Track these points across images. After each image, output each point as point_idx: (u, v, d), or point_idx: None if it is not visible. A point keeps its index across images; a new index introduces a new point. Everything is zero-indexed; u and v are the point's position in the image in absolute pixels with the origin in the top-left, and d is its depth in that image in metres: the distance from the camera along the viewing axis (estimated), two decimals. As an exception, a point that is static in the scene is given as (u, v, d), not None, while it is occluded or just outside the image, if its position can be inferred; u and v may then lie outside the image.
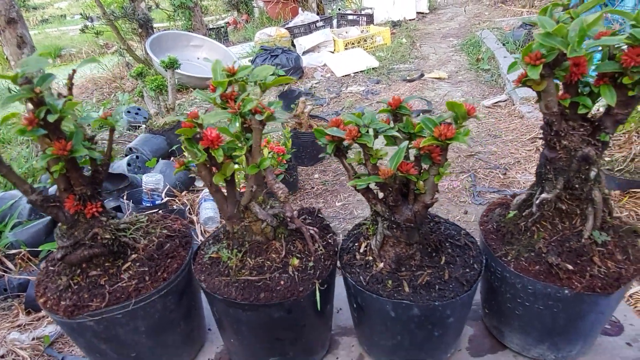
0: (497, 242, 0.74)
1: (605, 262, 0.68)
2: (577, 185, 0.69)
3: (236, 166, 0.74)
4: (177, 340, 0.78)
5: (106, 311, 0.67)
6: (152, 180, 3.28)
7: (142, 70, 4.48)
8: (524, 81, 0.63)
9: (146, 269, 0.71)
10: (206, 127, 0.66)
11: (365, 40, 7.54)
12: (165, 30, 8.81)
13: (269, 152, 3.35)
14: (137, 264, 0.72)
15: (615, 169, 2.89)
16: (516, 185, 3.45)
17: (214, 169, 0.69)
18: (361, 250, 0.76)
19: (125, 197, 3.18)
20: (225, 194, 0.73)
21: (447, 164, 0.65)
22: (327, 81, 6.44)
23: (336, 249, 0.76)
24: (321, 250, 0.73)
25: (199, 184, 3.98)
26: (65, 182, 0.67)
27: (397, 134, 0.67)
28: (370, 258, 0.74)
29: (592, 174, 0.67)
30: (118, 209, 3.32)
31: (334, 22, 8.86)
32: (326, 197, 3.54)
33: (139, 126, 5.32)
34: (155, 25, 10.85)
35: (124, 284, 0.69)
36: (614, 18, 5.20)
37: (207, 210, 3.29)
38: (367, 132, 0.62)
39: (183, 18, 8.26)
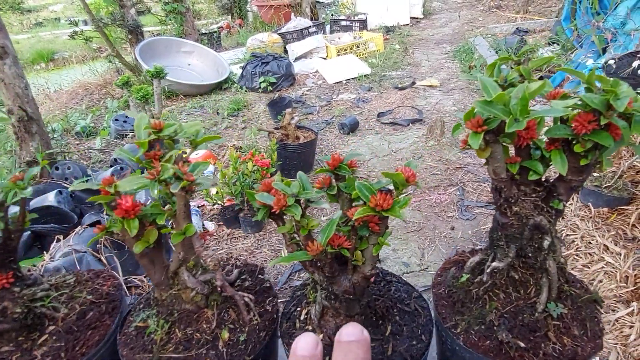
0: (447, 310, 0.69)
1: (560, 338, 0.62)
2: (530, 254, 0.63)
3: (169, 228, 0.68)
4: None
5: (15, 395, 0.61)
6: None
7: (128, 79, 4.41)
8: (467, 146, 0.58)
9: (63, 343, 0.66)
10: (123, 193, 0.60)
11: (357, 47, 7.50)
12: (156, 35, 8.75)
13: (253, 166, 3.29)
14: (54, 337, 0.66)
15: (604, 186, 2.84)
16: (504, 199, 3.39)
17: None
18: (302, 318, 0.70)
19: (105, 212, 3.11)
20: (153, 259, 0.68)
21: (388, 233, 0.59)
22: (318, 88, 6.39)
23: (275, 316, 0.70)
24: (256, 319, 0.68)
25: (184, 196, 3.93)
26: (-31, 252, 0.61)
27: (326, 205, 0.61)
28: (310, 328, 0.68)
29: (546, 243, 0.61)
30: (98, 223, 3.26)
31: (327, 27, 8.82)
32: (312, 211, 3.48)
33: (127, 135, 5.25)
34: (147, 29, 10.78)
35: (36, 362, 0.63)
36: (606, 27, 5.16)
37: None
38: (296, 202, 0.56)
39: (175, 23, 8.20)
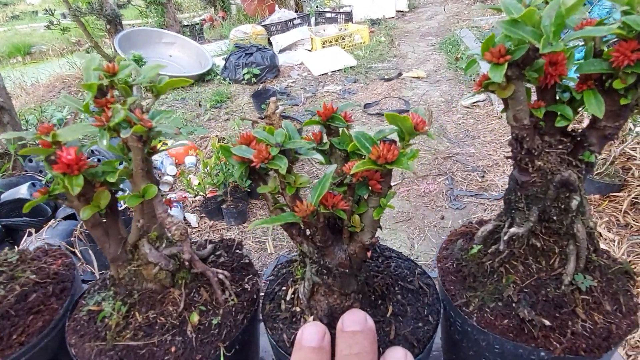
0: (457, 287, 0.59)
1: (591, 315, 0.53)
2: (555, 217, 0.54)
3: (121, 194, 0.57)
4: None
5: None
6: (110, 186, 3.07)
7: (105, 68, 4.23)
8: (485, 84, 0.48)
9: (-5, 331, 0.54)
10: (65, 145, 0.49)
11: (343, 39, 7.40)
12: (136, 26, 8.52)
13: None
14: (-14, 324, 0.55)
15: (595, 172, 2.80)
16: (494, 189, 3.35)
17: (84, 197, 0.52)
18: (287, 298, 0.60)
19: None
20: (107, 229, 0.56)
21: (391, 194, 0.49)
22: (303, 80, 6.27)
23: (255, 296, 0.60)
24: (232, 300, 0.57)
25: (164, 188, 3.78)
26: None
27: (319, 155, 0.51)
28: (298, 309, 0.58)
29: (574, 203, 0.52)
30: (73, 217, 3.12)
31: (312, 19, 8.69)
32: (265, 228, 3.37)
33: (105, 127, 5.07)
34: (127, 22, 10.51)
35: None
36: (593, 17, 5.16)
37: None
38: (281, 153, 0.46)
39: (156, 14, 7.98)
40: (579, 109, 0.51)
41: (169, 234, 0.56)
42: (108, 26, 6.73)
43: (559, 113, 0.50)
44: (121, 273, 0.56)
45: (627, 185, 2.71)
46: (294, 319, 0.57)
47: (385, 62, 6.76)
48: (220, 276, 0.57)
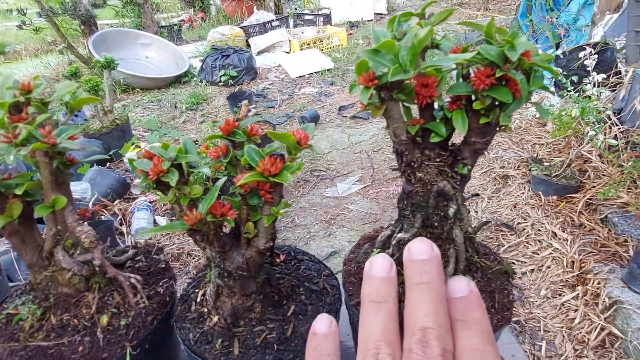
0: (355, 287, 0.64)
1: (468, 312, 0.58)
2: (436, 224, 0.60)
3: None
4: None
5: None
6: (78, 189, 3.06)
7: (77, 70, 4.20)
8: (365, 107, 0.53)
9: None
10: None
11: (321, 41, 7.45)
12: (114, 27, 8.43)
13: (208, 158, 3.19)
14: None
15: (553, 174, 2.90)
16: (460, 190, 3.43)
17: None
18: (198, 300, 0.64)
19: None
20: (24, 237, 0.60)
21: (283, 203, 0.54)
22: (281, 82, 6.30)
23: (168, 299, 0.64)
24: (144, 302, 0.61)
25: (136, 191, 3.77)
26: None
27: (206, 170, 0.56)
28: (206, 310, 0.62)
29: (451, 210, 0.57)
30: (40, 221, 3.07)
31: (291, 21, 8.73)
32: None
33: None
34: (104, 22, 10.38)
35: None
36: (559, 23, 5.32)
37: (140, 221, 3.10)
38: (174, 168, 0.50)
39: (132, 15, 7.91)
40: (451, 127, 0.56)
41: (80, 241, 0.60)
42: (82, 27, 6.65)
43: (433, 130, 0.55)
44: (38, 278, 0.59)
45: (583, 187, 2.82)
46: (201, 319, 0.61)
47: (362, 64, 6.84)
48: (132, 280, 0.61)
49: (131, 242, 3.00)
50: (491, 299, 0.60)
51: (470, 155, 0.58)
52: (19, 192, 0.55)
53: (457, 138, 0.60)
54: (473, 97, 0.54)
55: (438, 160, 0.58)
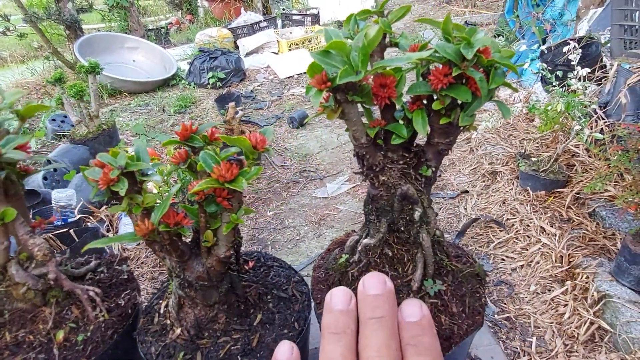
0: (323, 294, 0.62)
1: (438, 317, 0.57)
2: (402, 228, 0.58)
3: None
4: None
5: None
6: (63, 196, 3.01)
7: (61, 75, 4.15)
8: (322, 110, 0.51)
9: None
10: None
11: (309, 41, 7.43)
12: (98, 31, 8.35)
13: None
14: None
15: (541, 169, 2.91)
16: (450, 188, 3.43)
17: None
18: (161, 312, 0.62)
19: (32, 216, 2.89)
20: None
21: (242, 209, 0.52)
22: (269, 83, 6.28)
23: (130, 311, 0.62)
24: (103, 316, 0.59)
25: (125, 196, 3.73)
26: None
27: (155, 179, 0.54)
28: (169, 322, 0.60)
29: (417, 214, 0.56)
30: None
31: (279, 22, 8.70)
32: (257, 206, 3.39)
33: (65, 135, 4.96)
34: (91, 26, 10.29)
35: None
36: (545, 18, 5.34)
37: (127, 227, 3.07)
38: (125, 176, 0.48)
39: (118, 19, 7.84)
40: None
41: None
42: (67, 32, 6.58)
43: (394, 132, 0.53)
44: (-9, 295, 0.57)
45: (571, 181, 2.83)
46: (163, 332, 0.59)
47: (350, 64, 6.83)
48: (91, 293, 0.59)
49: (118, 249, 2.97)
50: (462, 304, 0.59)
51: (434, 156, 0.56)
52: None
53: (422, 139, 0.59)
54: (433, 97, 0.53)
55: (401, 162, 0.56)
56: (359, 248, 0.60)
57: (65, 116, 5.25)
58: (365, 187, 3.52)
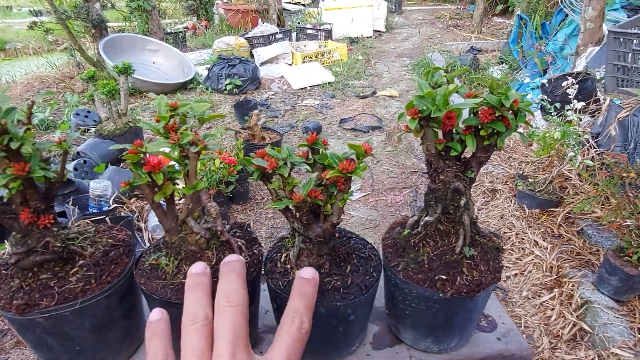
0: (392, 255, 0.91)
1: (471, 272, 0.86)
2: (451, 211, 0.87)
3: (177, 186, 0.86)
4: (117, 337, 0.89)
5: (55, 309, 0.76)
6: (100, 186, 3.28)
7: (94, 73, 4.43)
8: (408, 129, 0.81)
9: (92, 273, 0.82)
10: (149, 154, 0.78)
11: (322, 55, 7.78)
12: (120, 31, 8.66)
13: (220, 163, 3.43)
14: (84, 268, 0.82)
15: (537, 190, 3.21)
16: (452, 201, 3.72)
17: (155, 188, 0.82)
18: (282, 260, 0.90)
19: (70, 203, 3.15)
20: (165, 209, 0.86)
21: (350, 192, 0.81)
22: (283, 93, 6.59)
23: (260, 258, 0.90)
24: (247, 259, 0.87)
25: (149, 190, 4.00)
26: (21, 197, 0.76)
27: (307, 166, 0.82)
28: (289, 266, 0.88)
29: (462, 202, 0.85)
30: (63, 214, 3.28)
31: (293, 35, 9.06)
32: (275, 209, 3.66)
33: (88, 129, 5.22)
34: (109, 24, 10.57)
35: (72, 286, 0.79)
36: (547, 50, 5.71)
37: (154, 218, 3.32)
38: (285, 164, 0.77)
39: (139, 21, 8.15)
40: (466, 146, 0.84)
41: (207, 213, 0.86)
42: (93, 30, 6.88)
43: (452, 148, 0.83)
44: (173, 239, 0.85)
45: (563, 202, 3.14)
46: (285, 273, 0.87)
47: (361, 79, 7.17)
48: (239, 243, 0.87)
49: (149, 238, 3.23)
50: (487, 265, 0.88)
51: (476, 165, 0.85)
52: (178, 175, 0.81)
53: (468, 153, 0.88)
54: (480, 127, 0.82)
55: (454, 168, 0.85)
56: (422, 223, 0.89)
57: (88, 111, 5.52)
58: (375, 197, 3.81)
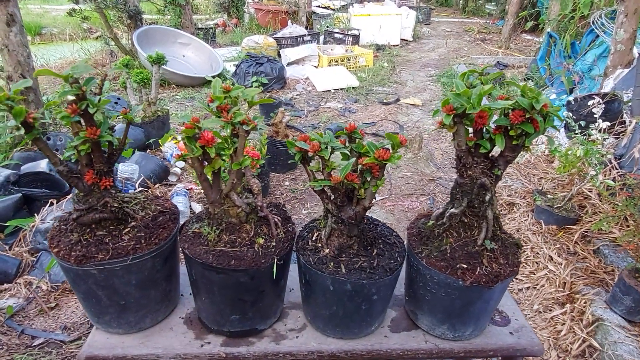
0: (416, 243, 0.97)
1: (491, 264, 0.91)
2: (476, 205, 0.93)
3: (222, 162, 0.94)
4: (158, 296, 0.97)
5: (108, 263, 0.85)
6: (128, 169, 3.40)
7: (129, 61, 4.58)
8: (442, 125, 0.87)
9: (142, 234, 0.90)
10: (203, 129, 0.86)
11: (348, 60, 7.85)
12: (153, 23, 8.88)
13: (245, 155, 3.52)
14: (136, 229, 0.90)
15: (555, 206, 3.22)
16: (469, 212, 3.74)
17: (205, 162, 0.89)
18: (313, 239, 0.97)
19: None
20: (211, 182, 0.93)
21: (383, 179, 0.87)
22: (307, 94, 6.68)
23: (293, 236, 0.97)
24: (281, 235, 0.94)
25: (172, 178, 4.11)
26: (87, 159, 0.85)
27: (347, 152, 0.89)
28: (319, 245, 0.95)
29: (487, 197, 0.90)
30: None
31: (321, 38, 9.17)
32: (294, 204, 3.74)
33: (117, 116, 5.38)
34: (143, 16, 10.84)
35: (124, 244, 0.87)
36: (575, 70, 5.68)
37: (178, 205, 3.43)
38: (326, 147, 0.84)
39: (173, 14, 8.36)
40: (494, 145, 0.90)
41: (250, 189, 0.94)
42: (128, 21, 7.08)
43: (482, 145, 0.89)
44: (216, 210, 0.92)
45: (581, 220, 3.14)
46: (316, 250, 0.94)
47: (385, 86, 7.22)
48: (276, 219, 0.94)
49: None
50: (506, 258, 0.93)
51: (503, 163, 0.91)
52: (227, 152, 0.88)
53: (495, 152, 0.94)
54: (509, 127, 0.88)
55: (482, 164, 0.91)
56: (447, 214, 0.95)
57: (119, 98, 5.68)
58: (392, 201, 3.86)
